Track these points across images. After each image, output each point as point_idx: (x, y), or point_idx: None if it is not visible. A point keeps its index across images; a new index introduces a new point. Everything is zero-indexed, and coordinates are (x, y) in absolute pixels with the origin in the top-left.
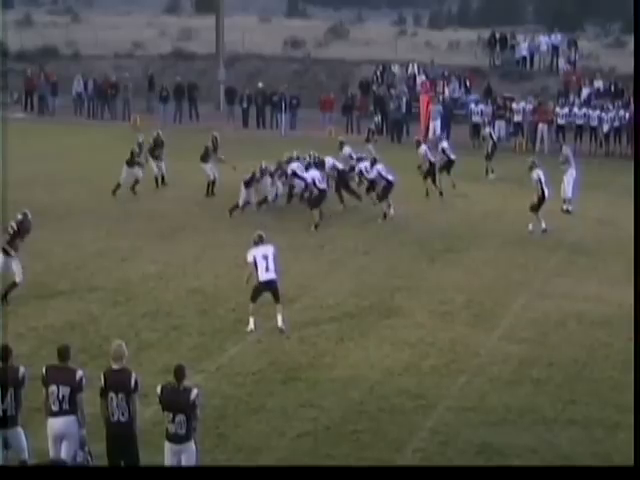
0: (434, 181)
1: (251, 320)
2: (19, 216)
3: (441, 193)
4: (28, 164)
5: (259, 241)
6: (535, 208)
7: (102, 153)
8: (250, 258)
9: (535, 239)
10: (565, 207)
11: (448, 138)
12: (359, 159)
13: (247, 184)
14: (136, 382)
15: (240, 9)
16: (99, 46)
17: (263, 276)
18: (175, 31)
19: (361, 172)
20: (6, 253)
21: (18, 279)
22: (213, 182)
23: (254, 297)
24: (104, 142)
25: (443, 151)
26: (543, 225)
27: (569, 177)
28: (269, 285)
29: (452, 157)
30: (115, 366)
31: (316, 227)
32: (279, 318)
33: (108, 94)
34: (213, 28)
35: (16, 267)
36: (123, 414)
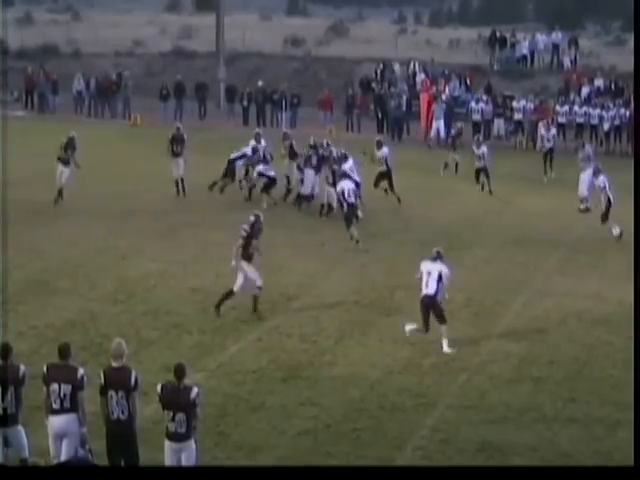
0: (391, 186)
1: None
2: (251, 217)
3: (399, 199)
4: (28, 162)
5: (435, 257)
6: (605, 216)
7: (102, 152)
8: (420, 271)
9: (536, 238)
10: (582, 206)
11: (449, 137)
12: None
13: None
14: (136, 380)
15: (240, 7)
16: (99, 44)
17: (423, 291)
18: (175, 29)
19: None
20: (249, 258)
21: (259, 283)
22: (60, 189)
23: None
24: (104, 140)
25: (483, 155)
26: (618, 230)
27: (586, 176)
28: (424, 300)
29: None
30: (115, 364)
31: (357, 242)
32: (443, 342)
33: (108, 92)
34: (213, 26)
35: (253, 273)
36: (123, 412)
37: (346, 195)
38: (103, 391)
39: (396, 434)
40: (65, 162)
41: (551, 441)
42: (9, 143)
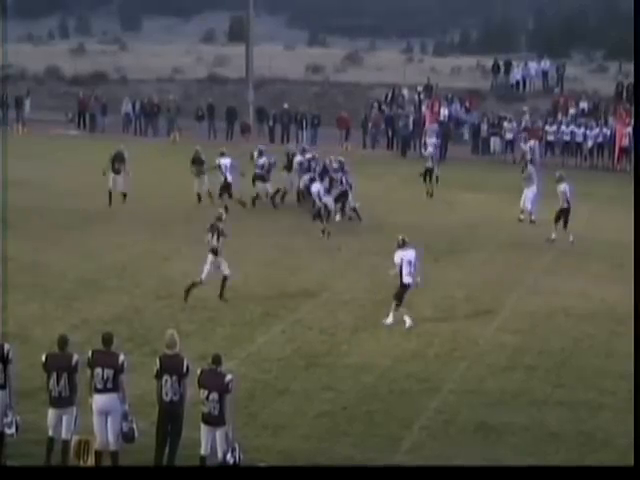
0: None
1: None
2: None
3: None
4: (81, 175)
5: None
6: (557, 218)
7: (146, 166)
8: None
9: (528, 242)
10: (522, 217)
11: (446, 155)
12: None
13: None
14: (187, 367)
15: (268, 39)
16: (144, 71)
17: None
18: (210, 58)
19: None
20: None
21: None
22: (124, 195)
23: None
24: (148, 156)
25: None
26: (553, 235)
27: (529, 192)
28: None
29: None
30: (169, 352)
31: (324, 231)
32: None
33: (152, 114)
34: (243, 55)
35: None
36: (175, 394)
37: (320, 195)
38: (158, 375)
39: (404, 415)
40: (117, 172)
41: (541, 422)
42: (64, 158)
